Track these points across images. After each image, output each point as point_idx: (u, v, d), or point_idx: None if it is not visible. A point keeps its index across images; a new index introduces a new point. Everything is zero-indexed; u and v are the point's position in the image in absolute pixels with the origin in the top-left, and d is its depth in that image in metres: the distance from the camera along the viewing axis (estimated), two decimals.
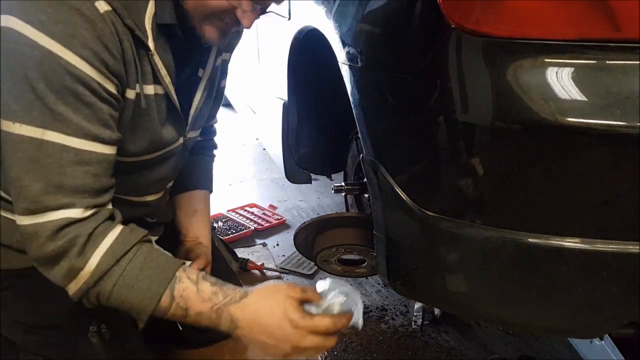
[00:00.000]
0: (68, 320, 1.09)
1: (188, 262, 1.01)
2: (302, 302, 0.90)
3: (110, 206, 0.90)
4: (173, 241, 1.36)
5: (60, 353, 1.10)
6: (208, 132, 1.34)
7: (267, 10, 0.94)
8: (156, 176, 1.09)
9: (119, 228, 0.89)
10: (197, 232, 1.25)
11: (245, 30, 1.07)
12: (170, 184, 1.22)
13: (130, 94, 0.90)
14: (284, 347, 0.88)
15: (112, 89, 0.86)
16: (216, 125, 1.38)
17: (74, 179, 0.83)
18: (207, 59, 1.07)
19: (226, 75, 1.23)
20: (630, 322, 0.83)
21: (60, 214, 0.83)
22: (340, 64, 1.07)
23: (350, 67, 1.01)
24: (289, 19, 0.94)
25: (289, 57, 1.55)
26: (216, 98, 1.22)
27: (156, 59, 0.91)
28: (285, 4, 0.93)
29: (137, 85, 0.91)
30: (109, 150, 0.88)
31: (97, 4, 0.81)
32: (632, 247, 0.76)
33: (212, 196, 1.32)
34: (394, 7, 0.90)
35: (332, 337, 0.89)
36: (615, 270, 0.78)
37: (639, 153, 0.71)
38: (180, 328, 1.37)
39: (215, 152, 1.38)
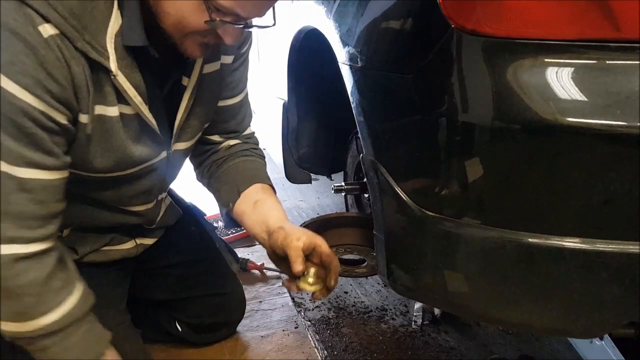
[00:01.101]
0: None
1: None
2: None
3: (54, 239, 0.89)
4: (176, 240, 1.36)
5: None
6: (245, 139, 1.25)
7: (251, 24, 0.90)
8: (138, 189, 1.07)
9: (79, 289, 0.92)
10: (269, 223, 1.08)
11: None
12: (162, 195, 1.20)
13: (84, 118, 0.87)
14: None
15: (57, 117, 0.82)
16: (255, 137, 1.29)
17: (18, 206, 0.82)
18: (191, 67, 1.01)
19: (239, 78, 1.18)
20: (630, 322, 0.83)
21: (8, 249, 0.82)
22: (340, 64, 1.07)
23: (350, 67, 1.01)
24: (274, 24, 0.93)
25: (289, 57, 1.55)
26: (236, 106, 1.18)
27: (120, 80, 0.87)
28: (269, 13, 0.91)
29: (94, 108, 0.87)
30: (54, 175, 0.85)
31: (40, 28, 0.77)
32: (632, 247, 0.76)
33: (212, 196, 1.27)
34: (394, 7, 0.90)
35: None
36: (615, 270, 0.77)
37: (639, 153, 0.71)
38: (180, 329, 1.38)
39: (260, 155, 1.26)
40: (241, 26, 0.87)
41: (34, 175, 0.82)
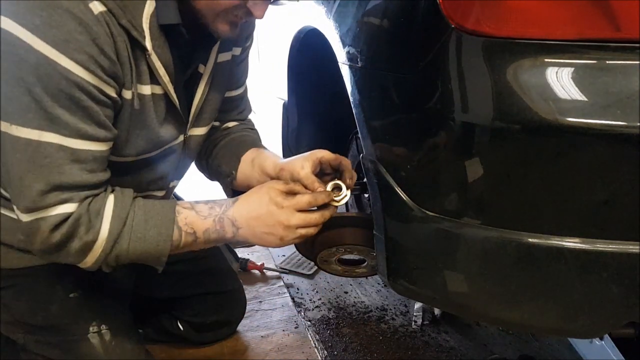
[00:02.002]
0: (68, 320, 1.10)
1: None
2: (288, 193, 0.98)
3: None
4: None
5: (60, 353, 1.11)
6: (245, 123, 1.31)
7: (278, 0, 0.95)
8: (156, 174, 1.09)
9: (111, 195, 0.93)
10: (268, 171, 1.12)
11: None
12: (175, 184, 1.21)
13: (127, 94, 0.91)
14: (277, 230, 0.96)
15: (108, 90, 0.86)
16: (251, 121, 1.35)
17: (72, 177, 0.85)
18: (208, 55, 1.06)
19: (243, 70, 1.24)
20: (630, 322, 0.83)
21: (60, 209, 0.86)
22: (340, 64, 1.07)
23: (350, 67, 1.01)
24: None
25: (289, 57, 1.55)
26: (237, 98, 1.24)
27: (154, 58, 0.91)
28: None
29: (133, 86, 0.91)
30: (104, 147, 0.90)
31: (91, 5, 0.81)
32: (632, 247, 0.76)
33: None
34: (394, 7, 0.90)
35: (317, 213, 0.98)
36: (615, 270, 0.77)
37: (639, 153, 0.71)
38: (181, 328, 1.38)
39: (258, 137, 1.31)
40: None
41: (87, 147, 0.86)
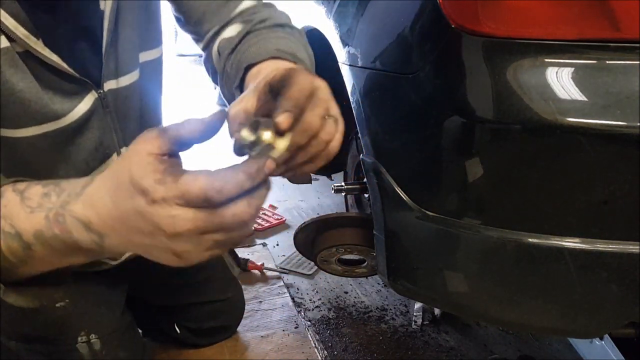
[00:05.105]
0: (55, 330, 1.06)
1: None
2: (172, 158, 0.53)
3: None
4: None
5: None
6: (244, 20, 0.88)
7: None
8: (87, 146, 0.88)
9: None
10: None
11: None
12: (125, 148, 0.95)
13: None
14: (162, 242, 0.53)
15: None
16: (265, 10, 0.90)
17: None
18: None
19: None
20: (630, 322, 0.83)
21: None
22: (340, 64, 1.07)
23: (350, 67, 1.01)
24: None
25: None
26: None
27: None
28: None
29: None
30: None
31: None
32: (632, 247, 0.76)
33: None
34: (394, 7, 0.90)
35: (242, 202, 0.51)
36: (615, 270, 0.78)
37: (639, 153, 0.71)
38: (178, 331, 1.38)
39: (275, 24, 0.87)
40: None
41: None
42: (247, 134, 0.53)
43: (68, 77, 0.80)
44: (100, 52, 0.83)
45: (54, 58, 0.77)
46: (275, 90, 0.59)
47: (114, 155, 0.93)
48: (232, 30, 0.87)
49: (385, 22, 0.93)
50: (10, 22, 0.69)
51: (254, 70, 0.77)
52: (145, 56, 0.93)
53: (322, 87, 0.58)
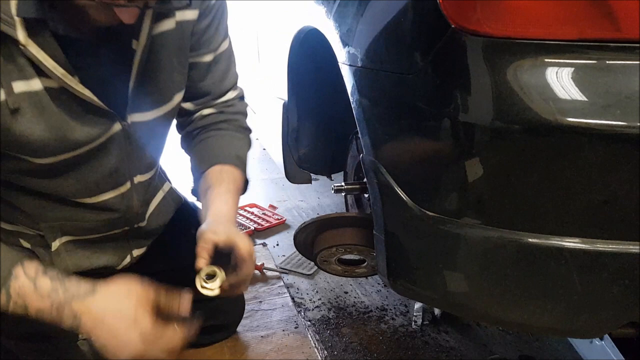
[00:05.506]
0: (56, 329, 1.07)
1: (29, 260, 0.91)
2: (156, 307, 0.89)
3: None
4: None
5: None
6: (222, 107, 1.15)
7: (151, 5, 0.80)
8: (101, 170, 0.99)
9: None
10: (210, 213, 1.01)
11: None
12: (141, 178, 1.10)
13: (1, 94, 0.81)
14: (128, 350, 0.85)
15: None
16: (239, 103, 1.18)
17: None
18: (139, 28, 0.90)
19: (212, 35, 1.07)
20: (630, 322, 0.83)
21: None
22: (340, 64, 1.07)
23: (350, 67, 1.01)
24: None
25: (289, 57, 1.55)
26: (205, 65, 1.08)
27: (33, 50, 0.79)
28: None
29: (10, 84, 0.81)
30: None
31: None
32: (632, 247, 0.76)
33: None
34: (394, 7, 0.90)
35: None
36: (615, 270, 0.78)
37: (639, 153, 0.71)
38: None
39: (239, 126, 1.16)
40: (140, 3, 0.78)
41: None
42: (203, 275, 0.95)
43: (97, 108, 0.90)
44: (128, 86, 0.93)
45: (87, 93, 0.87)
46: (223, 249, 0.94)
47: (128, 183, 1.06)
48: (208, 111, 1.14)
49: (386, 22, 0.93)
50: (50, 63, 0.81)
51: (216, 167, 1.08)
52: (179, 97, 1.05)
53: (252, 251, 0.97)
